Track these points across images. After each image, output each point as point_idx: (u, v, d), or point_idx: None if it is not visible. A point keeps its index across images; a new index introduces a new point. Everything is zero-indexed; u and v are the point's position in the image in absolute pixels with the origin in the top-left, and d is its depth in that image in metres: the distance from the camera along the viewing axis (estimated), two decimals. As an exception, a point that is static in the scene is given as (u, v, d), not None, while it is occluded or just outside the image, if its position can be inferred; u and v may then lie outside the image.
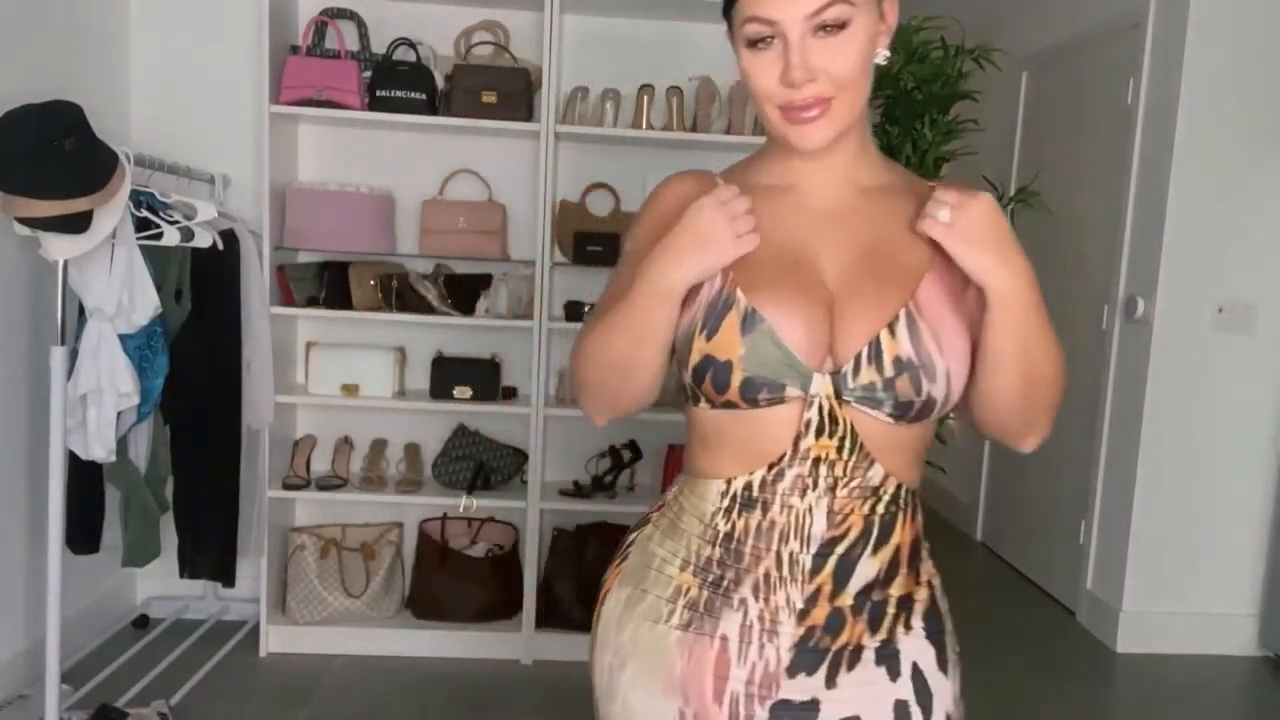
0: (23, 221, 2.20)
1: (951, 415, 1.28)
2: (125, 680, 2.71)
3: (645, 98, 3.07)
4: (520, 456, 3.19)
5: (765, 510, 1.03)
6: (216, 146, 3.15)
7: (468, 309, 3.07)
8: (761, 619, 1.03)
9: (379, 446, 3.27)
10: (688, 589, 1.07)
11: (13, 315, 2.60)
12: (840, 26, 0.97)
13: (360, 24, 3.10)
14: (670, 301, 1.00)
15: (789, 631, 1.03)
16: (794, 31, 0.96)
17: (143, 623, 3.18)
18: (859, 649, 1.05)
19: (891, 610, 1.06)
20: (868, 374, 1.00)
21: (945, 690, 1.08)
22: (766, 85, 1.00)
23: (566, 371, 3.21)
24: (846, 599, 1.04)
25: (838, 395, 1.00)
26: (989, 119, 4.16)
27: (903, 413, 1.01)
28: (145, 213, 2.46)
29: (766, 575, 1.03)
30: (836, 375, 1.00)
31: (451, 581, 3.14)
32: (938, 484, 4.75)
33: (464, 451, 3.18)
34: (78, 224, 2.21)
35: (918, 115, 3.35)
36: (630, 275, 1.04)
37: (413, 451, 3.27)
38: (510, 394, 3.20)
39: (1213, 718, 3.08)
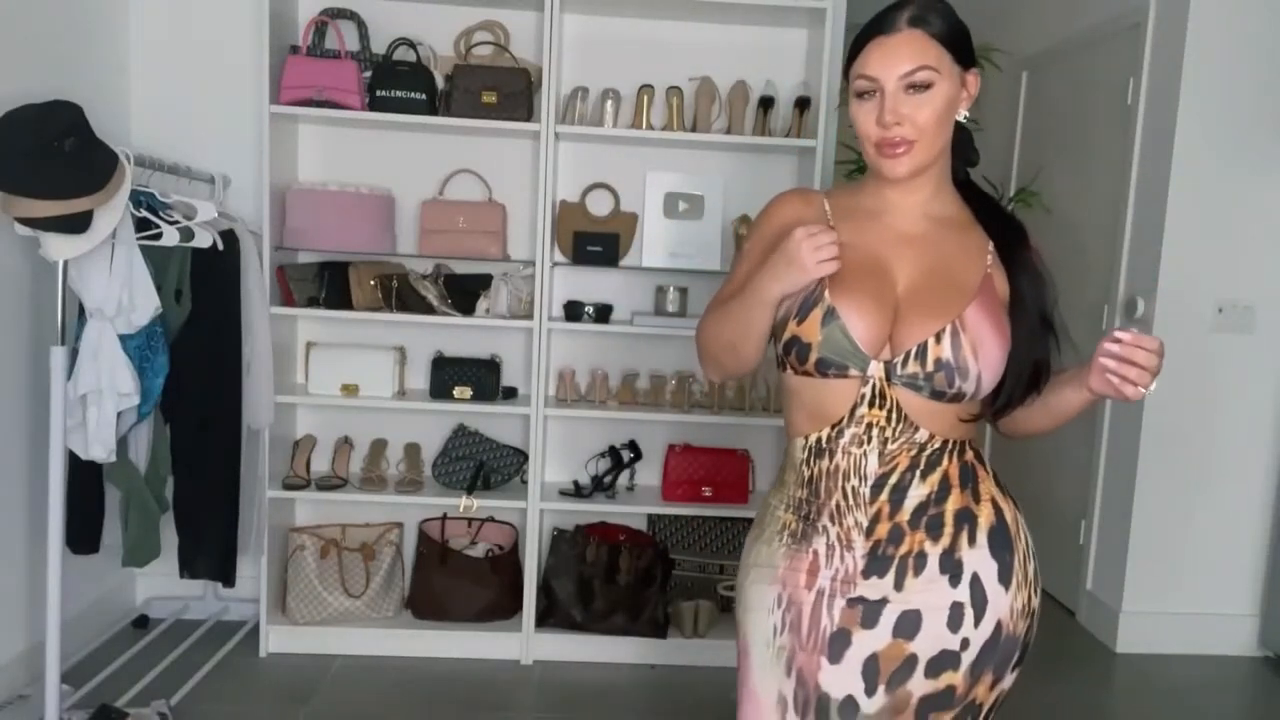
0: (23, 221, 2.20)
1: None
2: (125, 680, 2.71)
3: (645, 98, 3.07)
4: (520, 456, 3.19)
5: (832, 458, 1.34)
6: (216, 146, 3.15)
7: (468, 309, 3.07)
8: (839, 539, 1.35)
9: (379, 446, 3.27)
10: (789, 523, 1.40)
11: (13, 315, 2.60)
12: (926, 87, 1.29)
13: (360, 24, 3.11)
14: (767, 306, 1.32)
15: (860, 545, 1.33)
16: (889, 86, 1.29)
17: (143, 623, 3.18)
18: (922, 555, 1.32)
19: (949, 523, 1.33)
20: (913, 366, 1.30)
21: (1002, 600, 1.33)
22: (867, 126, 1.32)
23: (566, 371, 3.21)
24: (904, 516, 1.33)
25: (888, 378, 1.31)
26: (989, 119, 4.17)
27: (938, 397, 1.31)
28: (145, 213, 2.46)
29: (837, 505, 1.34)
30: (889, 364, 1.31)
31: (451, 581, 3.14)
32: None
33: (464, 451, 3.18)
34: (78, 224, 2.21)
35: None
36: (742, 270, 1.40)
37: (413, 451, 3.27)
38: (510, 394, 3.20)
39: (1213, 718, 3.08)
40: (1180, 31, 3.27)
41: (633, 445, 3.26)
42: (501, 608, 3.16)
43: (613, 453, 3.25)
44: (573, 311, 3.14)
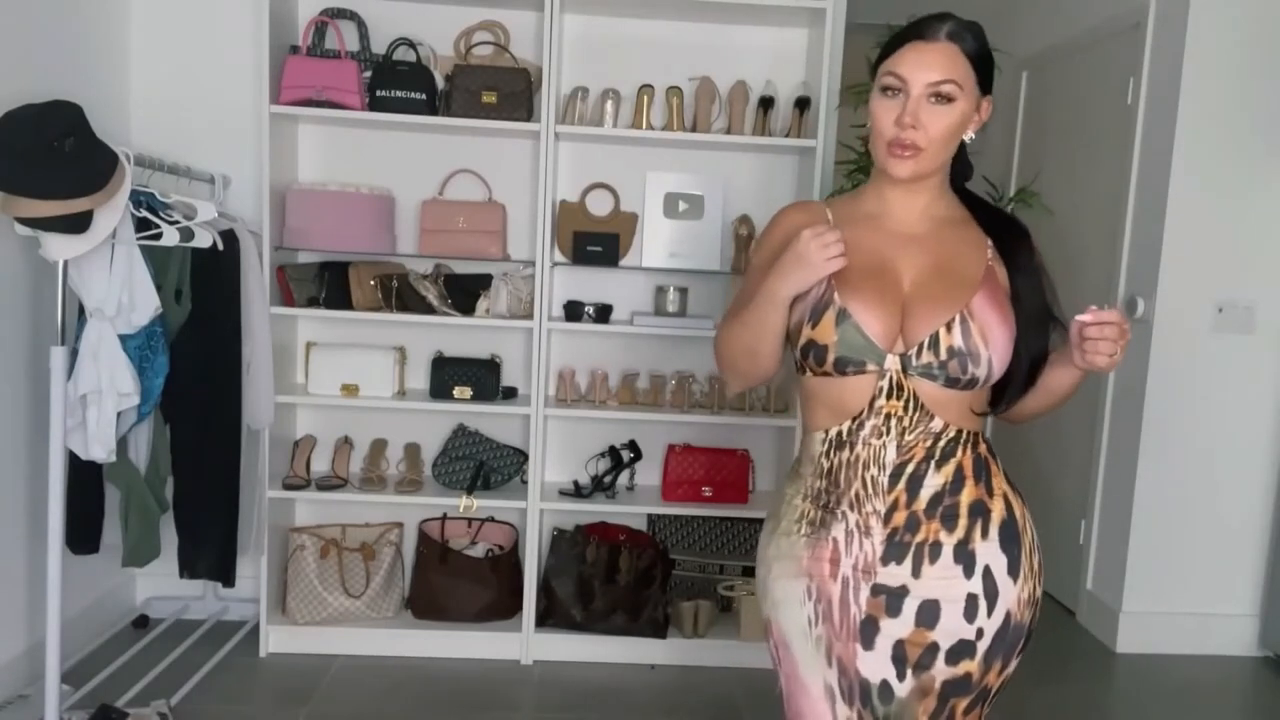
0: (23, 221, 2.20)
1: None
2: (125, 680, 2.71)
3: (645, 98, 3.07)
4: (520, 456, 3.19)
5: (852, 449, 1.40)
6: (216, 146, 3.15)
7: (468, 309, 3.07)
8: (858, 525, 1.40)
9: (379, 446, 3.27)
10: (807, 512, 1.45)
11: (13, 315, 2.60)
12: (948, 99, 1.36)
13: (360, 24, 3.11)
14: (779, 307, 1.38)
15: (878, 531, 1.39)
16: (915, 90, 1.36)
17: (143, 623, 3.18)
18: (937, 545, 1.38)
19: (964, 515, 1.39)
20: (927, 356, 1.36)
21: (1010, 592, 1.40)
22: (885, 123, 1.38)
23: (566, 371, 3.21)
24: (920, 505, 1.38)
25: (904, 370, 1.37)
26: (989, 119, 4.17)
27: (953, 384, 1.37)
28: (145, 213, 2.46)
29: (856, 494, 1.40)
30: (904, 356, 1.37)
31: (451, 581, 3.14)
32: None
33: (464, 451, 3.18)
34: (78, 224, 2.21)
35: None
36: (754, 282, 1.44)
37: (413, 451, 3.27)
38: (510, 394, 3.20)
39: (1213, 718, 3.08)
40: (1180, 31, 3.26)
41: (633, 445, 3.26)
42: (501, 608, 3.16)
43: (613, 453, 3.25)
44: (573, 311, 3.14)
